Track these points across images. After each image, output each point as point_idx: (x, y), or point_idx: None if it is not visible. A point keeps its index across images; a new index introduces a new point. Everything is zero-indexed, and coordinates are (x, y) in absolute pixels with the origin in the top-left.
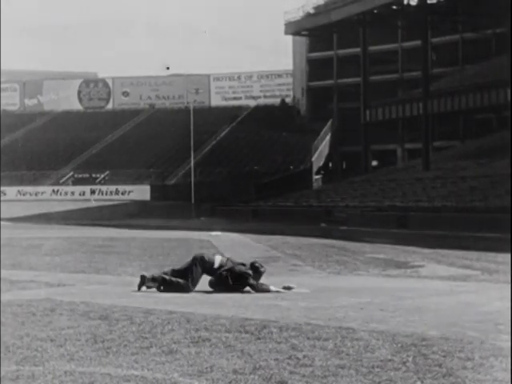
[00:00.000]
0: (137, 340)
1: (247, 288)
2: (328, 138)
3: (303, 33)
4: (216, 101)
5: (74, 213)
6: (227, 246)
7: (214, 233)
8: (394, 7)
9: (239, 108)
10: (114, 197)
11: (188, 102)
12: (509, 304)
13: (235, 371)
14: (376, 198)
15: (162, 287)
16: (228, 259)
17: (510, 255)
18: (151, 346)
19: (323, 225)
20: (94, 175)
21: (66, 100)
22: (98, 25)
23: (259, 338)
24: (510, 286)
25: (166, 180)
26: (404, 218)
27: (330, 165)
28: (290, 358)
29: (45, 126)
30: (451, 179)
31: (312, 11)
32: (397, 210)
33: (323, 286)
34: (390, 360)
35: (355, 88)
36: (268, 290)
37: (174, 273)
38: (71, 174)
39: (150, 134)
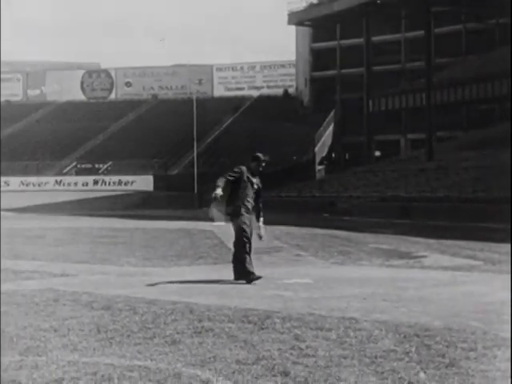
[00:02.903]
0: (140, 330)
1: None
2: (331, 128)
3: (306, 23)
4: (219, 91)
5: (77, 203)
6: (230, 236)
7: (216, 223)
8: None
9: (242, 98)
10: (117, 187)
11: (191, 93)
12: None
13: (238, 361)
14: (379, 189)
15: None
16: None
17: (510, 245)
18: (154, 337)
19: (326, 215)
20: (97, 166)
21: (69, 90)
22: (98, 24)
23: (262, 329)
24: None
25: (169, 170)
26: (407, 208)
27: (333, 155)
28: (292, 348)
29: (48, 117)
30: (454, 170)
31: (315, 1)
32: (400, 200)
33: (326, 277)
34: (392, 350)
35: (358, 78)
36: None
37: None
38: (74, 164)
39: (152, 124)
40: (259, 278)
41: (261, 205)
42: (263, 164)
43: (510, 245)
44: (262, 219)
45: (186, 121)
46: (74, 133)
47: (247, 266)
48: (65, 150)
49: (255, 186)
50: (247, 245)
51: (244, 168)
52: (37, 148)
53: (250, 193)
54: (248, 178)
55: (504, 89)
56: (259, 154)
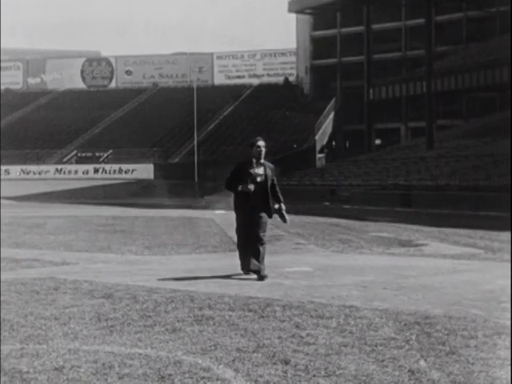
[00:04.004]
0: (140, 318)
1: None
2: (331, 116)
3: (307, 11)
4: (219, 79)
5: (78, 192)
6: (231, 224)
7: (217, 211)
8: None
9: (242, 86)
10: (118, 175)
11: (191, 81)
12: None
13: (239, 349)
14: (379, 177)
15: None
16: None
17: (510, 234)
18: (155, 325)
19: (327, 203)
20: (97, 154)
21: (69, 79)
22: (98, 16)
23: (263, 317)
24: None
25: (170, 159)
26: (407, 196)
27: (334, 143)
28: (293, 336)
29: (48, 105)
30: (455, 158)
31: None
32: (400, 188)
33: (326, 265)
34: (393, 338)
35: (359, 66)
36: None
37: None
38: (75, 152)
39: (153, 112)
40: (248, 273)
41: (277, 189)
42: (260, 148)
43: (510, 233)
44: (282, 204)
45: (187, 109)
46: (74, 121)
47: (242, 259)
48: (65, 139)
49: (258, 179)
50: (244, 238)
51: (243, 162)
52: (37, 136)
53: (255, 185)
54: (247, 172)
55: (504, 77)
56: (255, 139)
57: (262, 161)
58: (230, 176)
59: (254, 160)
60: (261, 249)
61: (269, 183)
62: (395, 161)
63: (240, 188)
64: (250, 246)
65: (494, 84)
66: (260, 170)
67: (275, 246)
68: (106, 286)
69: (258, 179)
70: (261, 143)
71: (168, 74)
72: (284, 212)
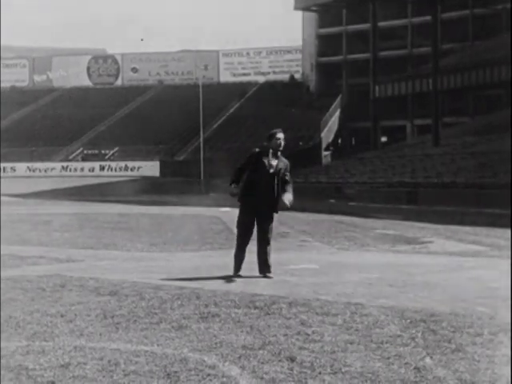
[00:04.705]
0: (146, 315)
1: None
2: (337, 113)
3: (313, 8)
4: (225, 77)
5: (84, 189)
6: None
7: (223, 209)
8: None
9: (248, 84)
10: (124, 173)
11: (197, 78)
12: None
13: (244, 347)
14: (385, 174)
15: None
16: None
17: (510, 231)
18: (161, 322)
19: (332, 201)
20: (103, 151)
21: (75, 76)
22: (102, 17)
23: (268, 314)
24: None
25: (176, 156)
26: (413, 193)
27: (340, 141)
28: (299, 333)
29: (54, 103)
30: (461, 155)
31: None
32: (406, 185)
33: (332, 262)
34: (399, 336)
35: (365, 64)
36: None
37: None
38: (81, 150)
39: (158, 110)
40: (231, 278)
41: (288, 186)
42: (279, 141)
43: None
44: (287, 194)
45: (192, 106)
46: (80, 118)
47: (235, 259)
48: (71, 136)
49: (271, 170)
50: (240, 237)
51: (256, 151)
52: (43, 134)
53: (265, 177)
54: (261, 161)
55: (510, 74)
56: (274, 131)
57: (278, 154)
58: (243, 162)
59: (271, 151)
60: (268, 249)
61: (279, 176)
62: (401, 158)
63: (232, 187)
64: (245, 247)
65: (500, 81)
66: (274, 162)
67: (281, 244)
68: (111, 283)
69: (271, 170)
70: (280, 135)
71: (174, 72)
72: (286, 200)
